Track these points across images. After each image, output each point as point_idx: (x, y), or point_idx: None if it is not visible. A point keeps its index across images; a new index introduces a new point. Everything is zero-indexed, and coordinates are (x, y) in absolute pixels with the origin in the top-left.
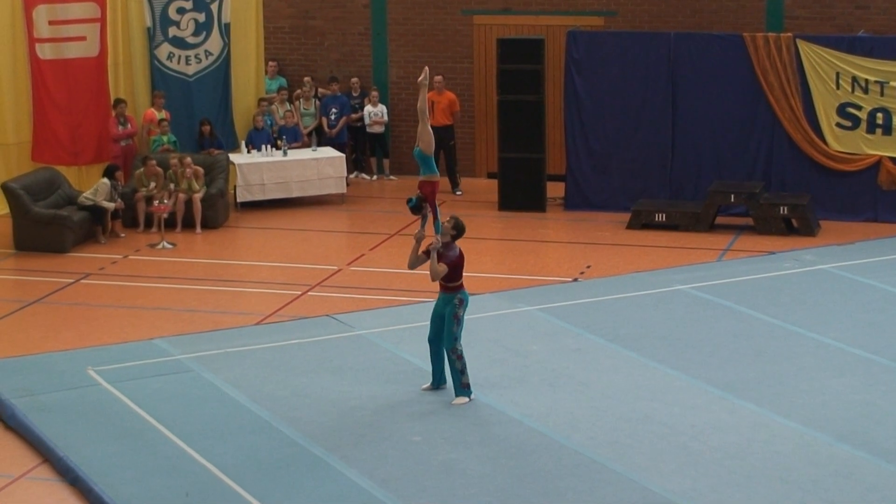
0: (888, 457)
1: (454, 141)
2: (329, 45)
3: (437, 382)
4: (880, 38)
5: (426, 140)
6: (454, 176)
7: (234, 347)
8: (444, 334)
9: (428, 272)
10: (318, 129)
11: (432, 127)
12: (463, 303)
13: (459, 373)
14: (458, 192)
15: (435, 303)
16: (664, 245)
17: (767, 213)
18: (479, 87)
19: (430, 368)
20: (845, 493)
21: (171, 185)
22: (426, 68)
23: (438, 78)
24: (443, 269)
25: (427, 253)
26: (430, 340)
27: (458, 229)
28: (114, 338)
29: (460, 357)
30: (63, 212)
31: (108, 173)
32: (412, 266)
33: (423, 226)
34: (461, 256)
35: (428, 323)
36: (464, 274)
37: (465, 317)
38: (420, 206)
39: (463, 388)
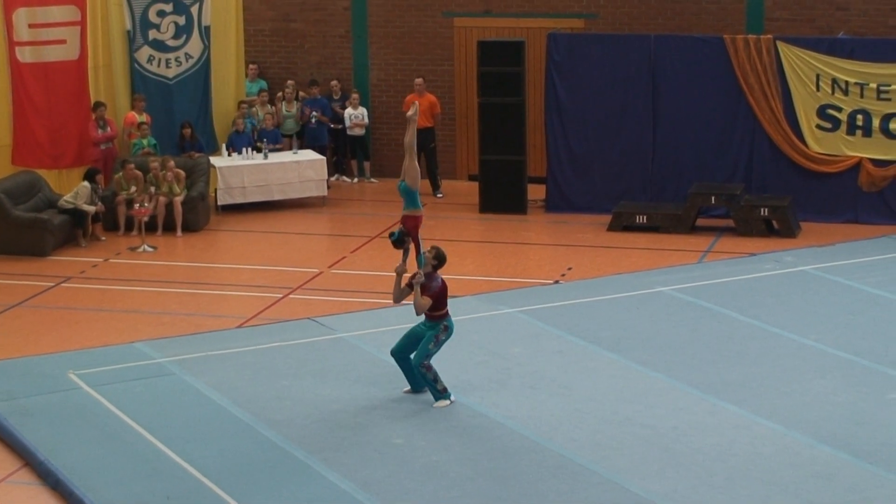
0: (869, 458)
1: (435, 143)
2: (310, 47)
3: (417, 387)
4: (860, 39)
5: (412, 175)
6: (435, 178)
7: (215, 351)
8: (418, 350)
9: (412, 304)
10: (300, 132)
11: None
12: (448, 330)
13: (433, 382)
14: (440, 195)
15: (416, 324)
16: (645, 247)
17: (748, 214)
18: (459, 90)
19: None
20: (826, 495)
21: (152, 189)
22: (416, 104)
23: (419, 80)
24: (427, 301)
25: (410, 286)
26: (393, 353)
27: (440, 259)
28: (95, 341)
29: (429, 369)
30: (43, 215)
31: (89, 177)
32: (397, 300)
33: (404, 259)
34: (444, 286)
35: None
36: (445, 275)
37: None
38: (402, 240)
39: (441, 392)
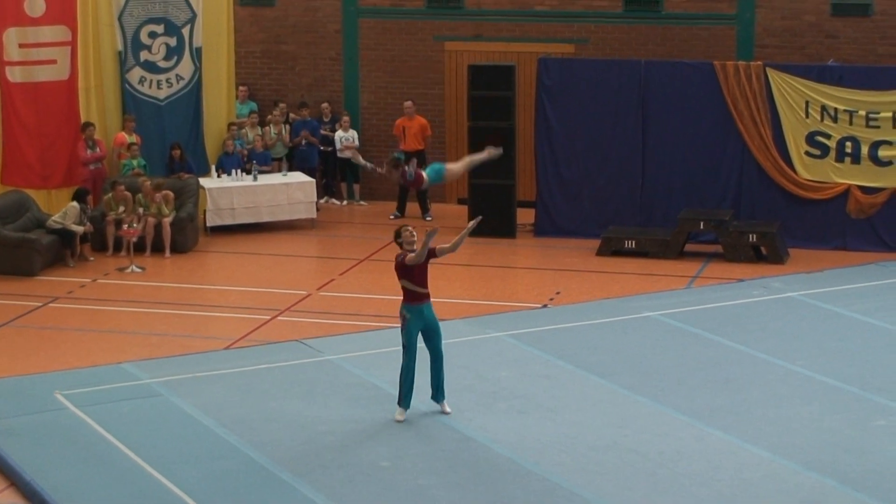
0: (856, 485)
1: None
2: (300, 69)
3: (440, 397)
4: (849, 67)
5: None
6: (424, 201)
7: (202, 372)
8: (440, 342)
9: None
10: (289, 154)
11: (404, 151)
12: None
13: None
14: (429, 218)
15: (419, 319)
16: (634, 272)
17: (737, 240)
18: (450, 114)
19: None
20: None
21: (141, 209)
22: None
23: (409, 103)
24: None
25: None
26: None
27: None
28: (82, 361)
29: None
30: (32, 235)
31: (79, 197)
32: (419, 258)
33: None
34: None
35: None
36: (433, 299)
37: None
38: (402, 162)
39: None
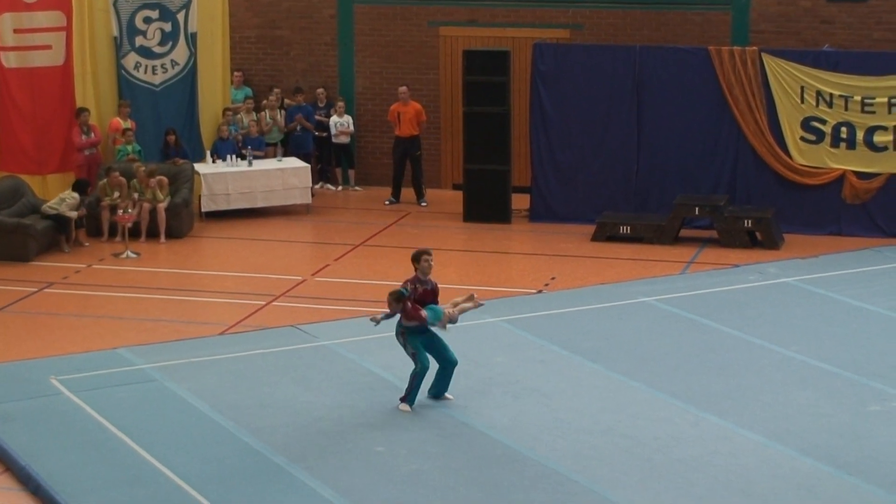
0: (850, 470)
1: (420, 151)
2: (295, 55)
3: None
4: (845, 52)
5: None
6: (420, 187)
7: (197, 357)
8: (447, 351)
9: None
10: (284, 140)
11: (398, 138)
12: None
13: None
14: (424, 203)
15: (419, 336)
16: (629, 257)
17: (732, 226)
18: (445, 99)
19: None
20: None
21: (136, 195)
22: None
23: (403, 89)
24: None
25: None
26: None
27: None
28: (77, 347)
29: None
30: (27, 220)
31: (80, 188)
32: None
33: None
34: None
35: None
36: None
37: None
38: (402, 300)
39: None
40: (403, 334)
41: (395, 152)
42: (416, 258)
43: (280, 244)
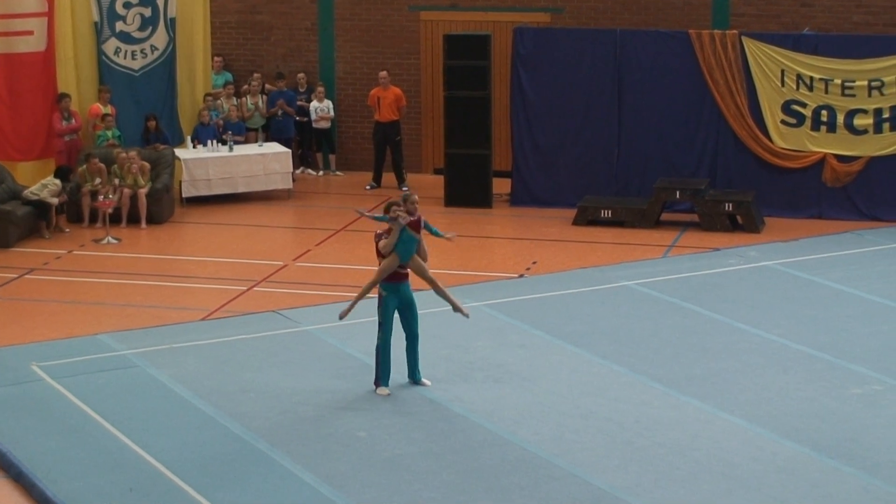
0: (831, 453)
1: (400, 136)
2: (275, 40)
3: (417, 376)
4: (825, 35)
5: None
6: (400, 171)
7: (179, 343)
8: (416, 323)
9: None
10: (266, 125)
11: (378, 123)
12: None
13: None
14: (405, 188)
15: (395, 297)
16: (610, 241)
17: (712, 209)
18: (425, 83)
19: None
20: (789, 490)
21: (116, 181)
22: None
23: (383, 74)
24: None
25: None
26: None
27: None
28: (58, 333)
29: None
30: (7, 207)
31: (62, 175)
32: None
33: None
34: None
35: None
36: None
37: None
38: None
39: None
40: (381, 295)
41: (376, 137)
42: (404, 201)
43: (261, 229)
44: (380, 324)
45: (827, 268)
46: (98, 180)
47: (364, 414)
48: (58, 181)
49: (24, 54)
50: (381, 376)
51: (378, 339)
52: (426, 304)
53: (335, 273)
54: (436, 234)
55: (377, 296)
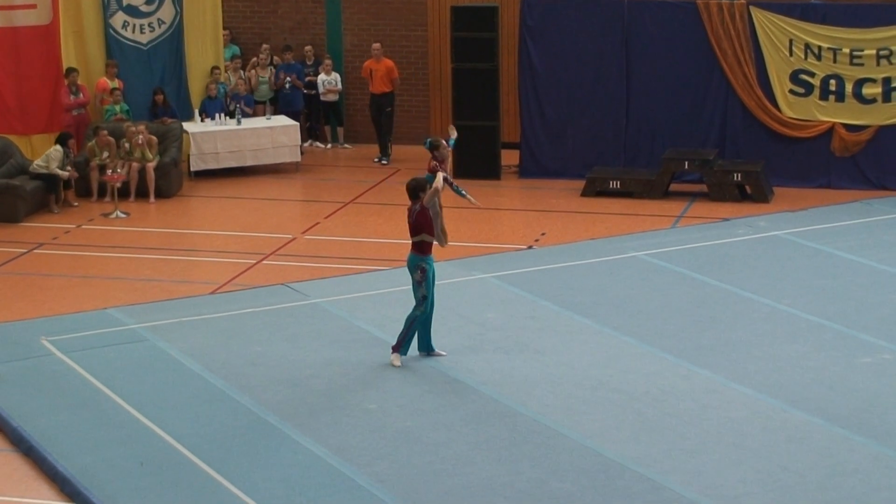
0: (841, 422)
1: (392, 108)
2: (283, 12)
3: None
4: (833, 5)
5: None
6: (385, 144)
7: (188, 317)
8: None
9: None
10: (274, 97)
11: (373, 95)
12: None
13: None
14: (385, 161)
15: (432, 270)
16: (619, 212)
17: (721, 179)
18: (433, 56)
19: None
20: (798, 459)
21: (125, 154)
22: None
23: (376, 45)
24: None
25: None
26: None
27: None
28: (68, 307)
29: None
30: (15, 181)
31: (61, 141)
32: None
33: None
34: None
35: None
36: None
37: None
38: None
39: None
40: (423, 270)
41: (372, 110)
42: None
43: (270, 202)
44: (423, 297)
45: (836, 237)
46: (106, 154)
47: (374, 386)
48: (58, 147)
49: (27, 28)
50: (403, 346)
51: (417, 310)
52: (439, 276)
53: (344, 245)
54: (458, 193)
55: (418, 272)
